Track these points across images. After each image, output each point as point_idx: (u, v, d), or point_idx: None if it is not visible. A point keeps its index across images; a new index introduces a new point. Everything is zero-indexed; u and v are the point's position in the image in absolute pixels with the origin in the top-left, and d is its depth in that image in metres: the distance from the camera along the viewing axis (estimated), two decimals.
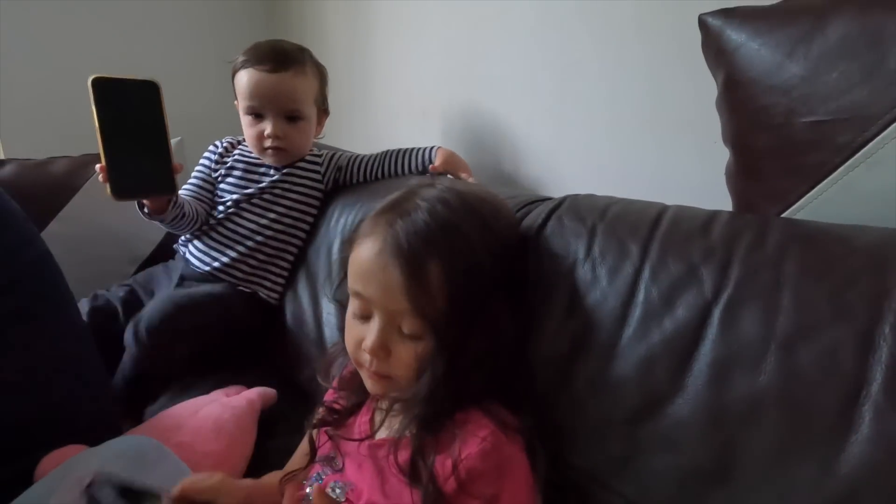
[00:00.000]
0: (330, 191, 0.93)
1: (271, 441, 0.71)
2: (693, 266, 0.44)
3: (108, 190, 0.68)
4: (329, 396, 0.60)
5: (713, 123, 0.55)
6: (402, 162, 0.89)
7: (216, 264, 0.89)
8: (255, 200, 0.89)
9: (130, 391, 0.83)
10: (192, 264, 0.90)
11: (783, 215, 0.50)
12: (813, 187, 0.47)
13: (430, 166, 0.86)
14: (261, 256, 0.89)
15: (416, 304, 0.43)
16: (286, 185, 0.90)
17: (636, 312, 0.46)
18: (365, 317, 0.47)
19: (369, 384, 0.49)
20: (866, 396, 0.34)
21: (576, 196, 0.59)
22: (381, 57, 1.24)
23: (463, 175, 0.85)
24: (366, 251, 0.46)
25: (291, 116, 0.86)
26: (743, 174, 0.54)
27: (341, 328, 0.52)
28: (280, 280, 0.92)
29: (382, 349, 0.46)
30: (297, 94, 0.86)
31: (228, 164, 0.92)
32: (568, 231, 0.53)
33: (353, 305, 0.48)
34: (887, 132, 0.42)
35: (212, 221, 0.90)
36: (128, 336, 0.81)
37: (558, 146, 0.89)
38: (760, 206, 0.52)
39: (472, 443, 0.43)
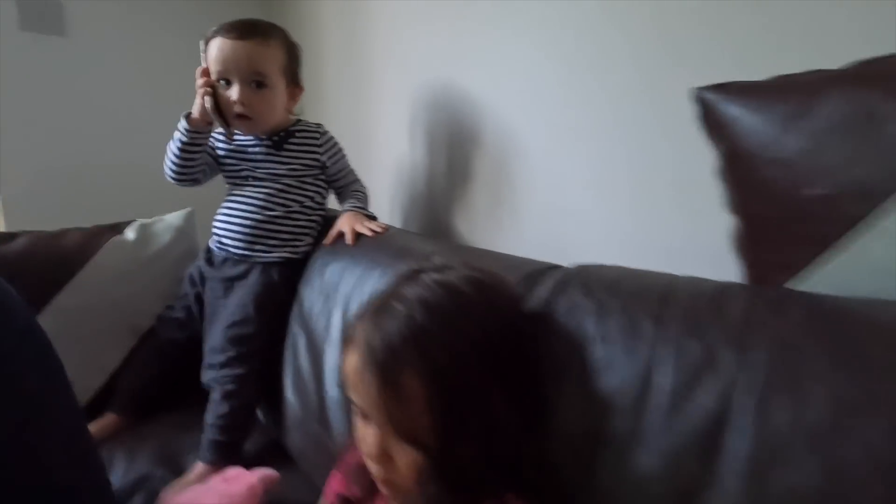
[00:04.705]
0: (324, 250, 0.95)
1: None
2: (709, 347, 0.43)
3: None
4: (335, 484, 0.57)
5: (708, 190, 0.55)
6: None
7: (240, 245, 0.95)
8: (255, 174, 0.96)
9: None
10: (227, 247, 0.97)
11: (793, 283, 0.49)
12: (820, 256, 0.47)
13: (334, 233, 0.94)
14: (281, 224, 0.95)
15: (393, 419, 0.43)
16: (283, 156, 0.96)
17: (654, 398, 0.44)
18: (366, 417, 0.46)
19: (379, 487, 0.48)
20: None
21: (583, 267, 0.58)
22: (375, 83, 1.25)
23: (367, 228, 0.90)
24: (351, 362, 0.46)
25: (258, 83, 0.90)
26: (751, 243, 0.54)
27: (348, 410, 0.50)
28: (308, 231, 0.98)
29: (382, 455, 0.45)
30: (260, 61, 0.89)
31: (222, 151, 0.99)
32: (577, 308, 0.52)
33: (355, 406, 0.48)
34: (891, 204, 0.42)
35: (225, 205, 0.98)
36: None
37: (561, 208, 0.89)
38: (770, 274, 0.52)
39: None
